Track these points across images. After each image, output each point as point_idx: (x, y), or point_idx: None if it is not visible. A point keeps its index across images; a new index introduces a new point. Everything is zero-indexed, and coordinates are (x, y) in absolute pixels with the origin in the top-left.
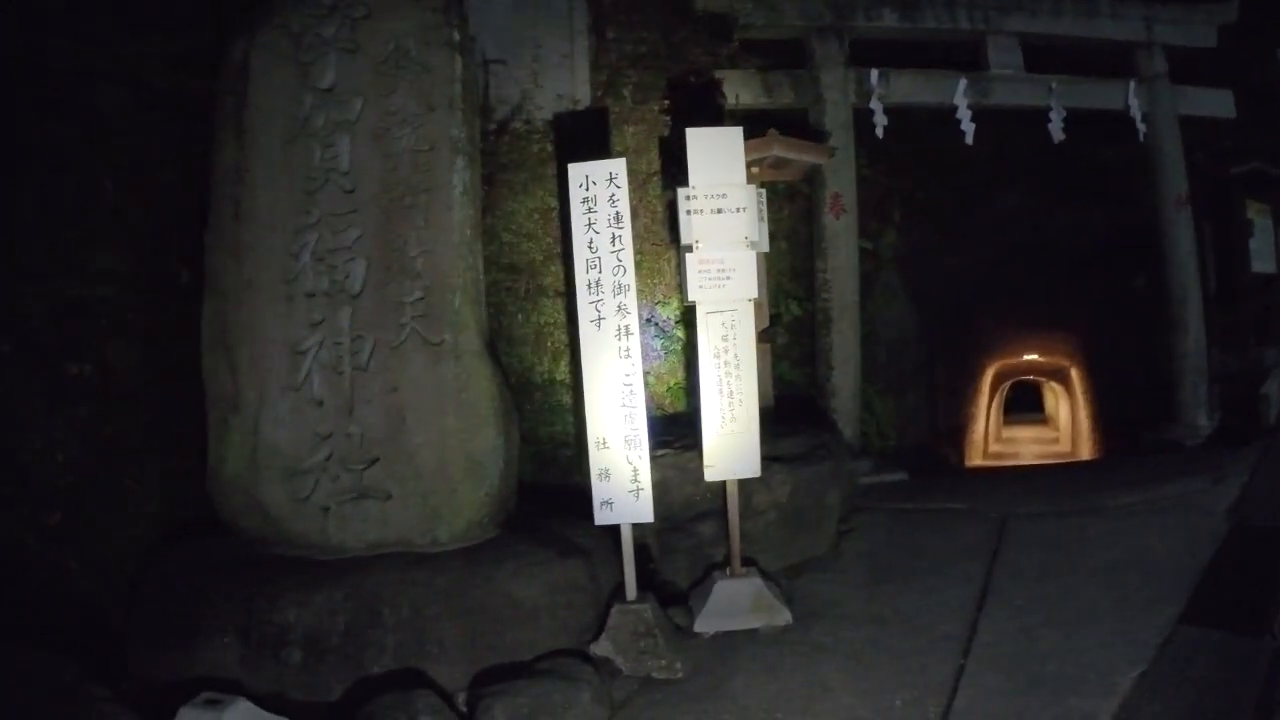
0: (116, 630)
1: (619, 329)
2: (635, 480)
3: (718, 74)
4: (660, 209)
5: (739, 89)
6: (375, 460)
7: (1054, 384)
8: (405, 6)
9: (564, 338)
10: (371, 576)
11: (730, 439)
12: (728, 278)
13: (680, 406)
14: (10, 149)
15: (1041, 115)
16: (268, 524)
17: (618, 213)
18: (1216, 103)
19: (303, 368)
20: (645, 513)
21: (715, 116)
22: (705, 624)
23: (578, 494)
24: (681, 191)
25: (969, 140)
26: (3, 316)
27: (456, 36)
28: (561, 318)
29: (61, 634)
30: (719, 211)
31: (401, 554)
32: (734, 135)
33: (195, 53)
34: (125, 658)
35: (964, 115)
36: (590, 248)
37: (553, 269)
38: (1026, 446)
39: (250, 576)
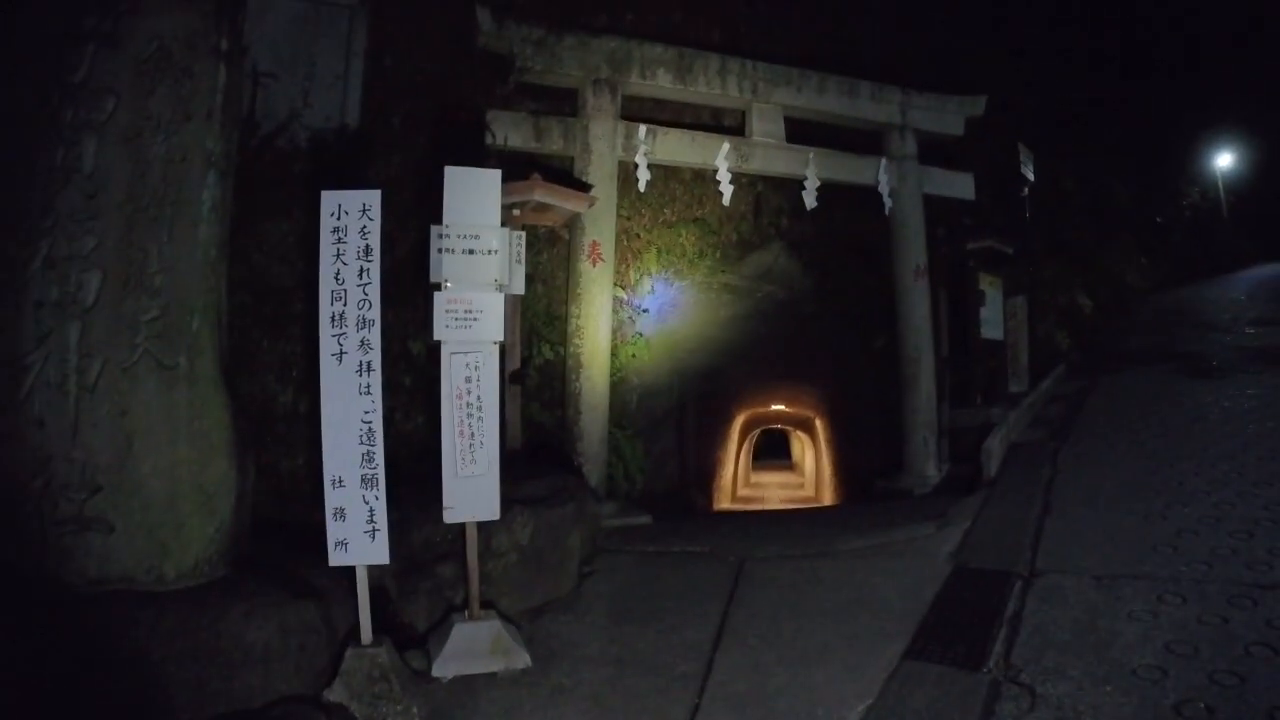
0: None
1: (361, 364)
2: (371, 521)
3: (490, 113)
4: (417, 241)
5: (510, 130)
6: (99, 489)
7: (800, 433)
8: (174, 6)
9: (308, 369)
10: (92, 616)
11: (470, 481)
12: (475, 319)
13: (425, 446)
14: None
15: (799, 183)
16: None
17: (368, 245)
18: (959, 185)
19: (25, 384)
20: (381, 554)
21: (481, 155)
22: (443, 667)
23: (318, 532)
24: (434, 229)
25: (725, 201)
26: None
27: (225, 44)
28: (308, 348)
29: None
30: (470, 252)
31: (125, 592)
32: (492, 177)
33: None
34: None
35: (724, 177)
36: (337, 279)
37: (302, 296)
38: (774, 491)
39: None
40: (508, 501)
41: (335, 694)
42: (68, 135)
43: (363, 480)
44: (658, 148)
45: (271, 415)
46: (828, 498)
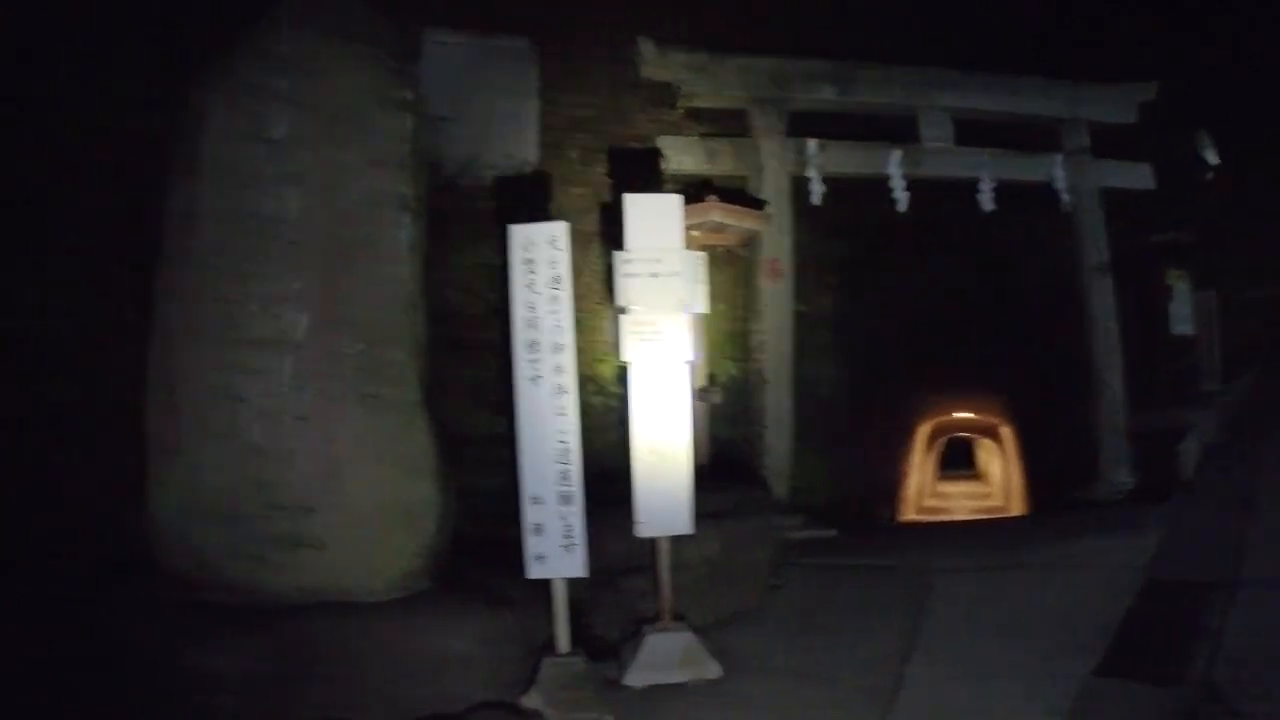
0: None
1: (555, 387)
2: (568, 535)
3: (660, 140)
4: (602, 269)
5: (681, 155)
6: (311, 510)
7: (986, 441)
8: (358, 64)
9: (502, 393)
10: (305, 625)
11: (662, 497)
12: (661, 339)
13: (617, 462)
14: None
15: (971, 185)
16: (203, 569)
17: (557, 275)
18: (1136, 175)
19: (243, 415)
20: (577, 568)
21: (656, 181)
22: (635, 677)
23: (513, 547)
24: (618, 255)
25: (902, 209)
26: None
27: (408, 95)
28: (501, 374)
29: None
30: (655, 275)
31: (335, 603)
32: (672, 202)
33: (156, 98)
34: (58, 698)
35: (898, 185)
36: (529, 307)
37: (494, 324)
38: (960, 502)
39: (182, 620)
40: (696, 516)
41: (531, 701)
42: (271, 187)
43: (560, 497)
44: (828, 160)
45: (467, 437)
46: (1015, 508)
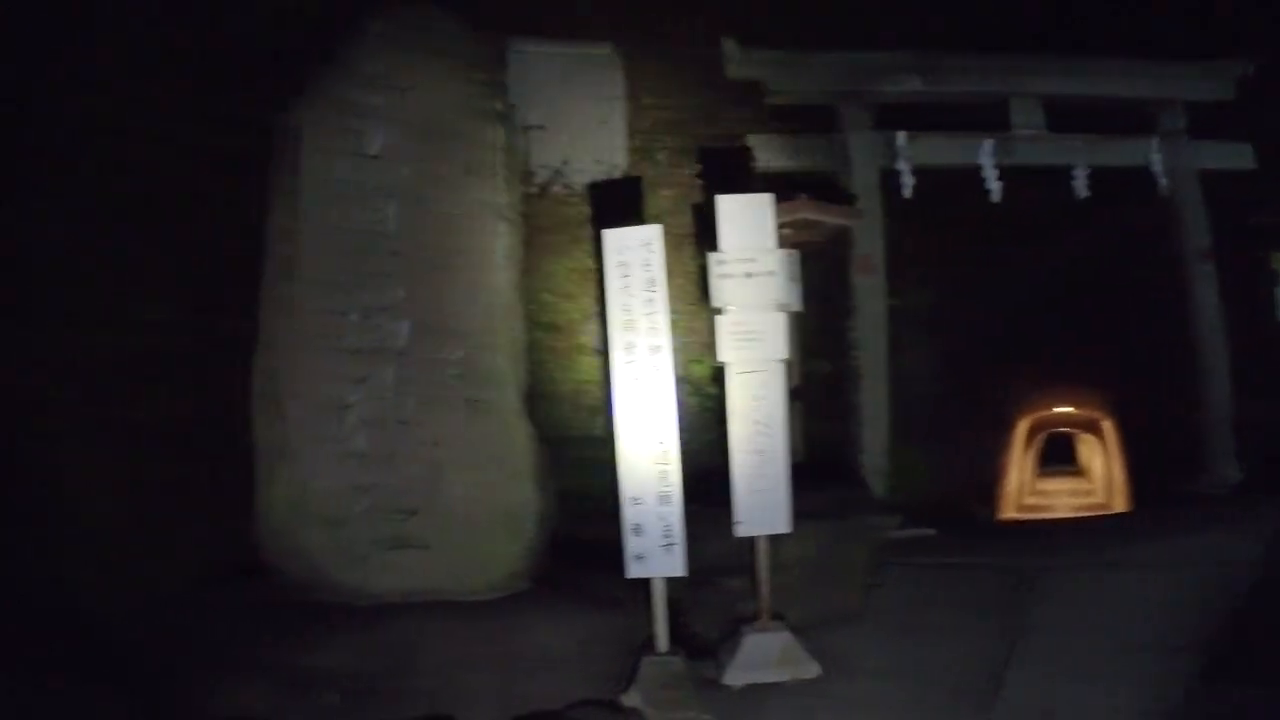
0: (161, 667)
1: (653, 389)
2: (668, 535)
3: (748, 138)
4: (694, 269)
5: (769, 152)
6: (415, 511)
7: (1087, 436)
8: (450, 79)
9: (599, 394)
10: (408, 624)
11: (760, 496)
12: (758, 339)
13: (713, 462)
14: (76, 210)
15: (1065, 172)
16: (310, 570)
17: (652, 278)
18: (1236, 155)
19: (348, 421)
20: (677, 567)
21: (746, 180)
22: (734, 676)
23: (611, 547)
24: (712, 256)
25: (995, 199)
26: (72, 367)
27: (498, 106)
28: (597, 375)
29: (109, 669)
30: (749, 275)
31: (438, 603)
32: (763, 202)
33: (252, 117)
34: (169, 694)
35: (990, 175)
36: (625, 310)
37: (590, 328)
38: (1061, 499)
39: (291, 620)
40: (795, 515)
41: (630, 699)
42: (370, 201)
43: (659, 498)
44: (918, 152)
45: (566, 440)
46: (1118, 504)
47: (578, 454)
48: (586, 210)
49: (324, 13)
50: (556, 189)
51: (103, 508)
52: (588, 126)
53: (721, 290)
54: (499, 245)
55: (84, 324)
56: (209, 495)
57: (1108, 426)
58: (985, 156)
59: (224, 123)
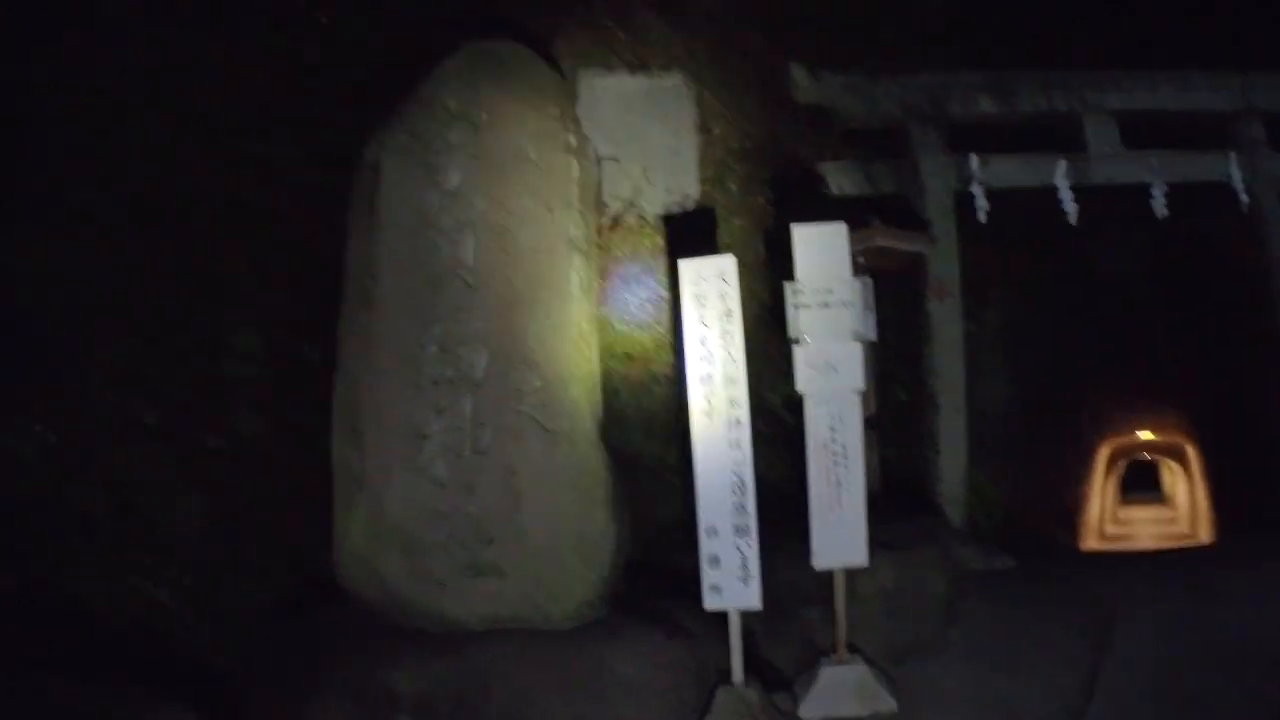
0: (239, 691)
1: (730, 420)
2: (744, 568)
3: (821, 165)
4: (768, 297)
5: (842, 178)
6: (491, 540)
7: (1171, 462)
8: (525, 113)
9: (673, 423)
10: (484, 650)
11: (837, 528)
12: (835, 370)
13: (790, 489)
14: (160, 240)
15: (1143, 190)
16: (386, 596)
17: (728, 309)
18: None
19: (426, 450)
20: (753, 599)
21: (818, 207)
22: (810, 709)
23: (686, 576)
24: (788, 286)
25: (1072, 221)
26: (153, 391)
27: (573, 140)
28: (672, 404)
29: (189, 691)
30: (825, 306)
31: (514, 630)
32: (838, 231)
33: (331, 149)
34: (247, 717)
35: (1065, 196)
36: (702, 342)
37: (664, 357)
38: (1144, 527)
39: (367, 644)
40: (871, 546)
41: None
42: (449, 234)
43: (735, 529)
44: (991, 175)
45: (640, 468)
46: (1204, 534)
47: (653, 482)
48: (660, 240)
49: (403, 48)
50: (630, 219)
51: (183, 532)
52: (660, 157)
53: (798, 320)
54: (574, 277)
55: (167, 348)
56: (288, 519)
57: (1191, 451)
58: (1060, 177)
59: (306, 155)
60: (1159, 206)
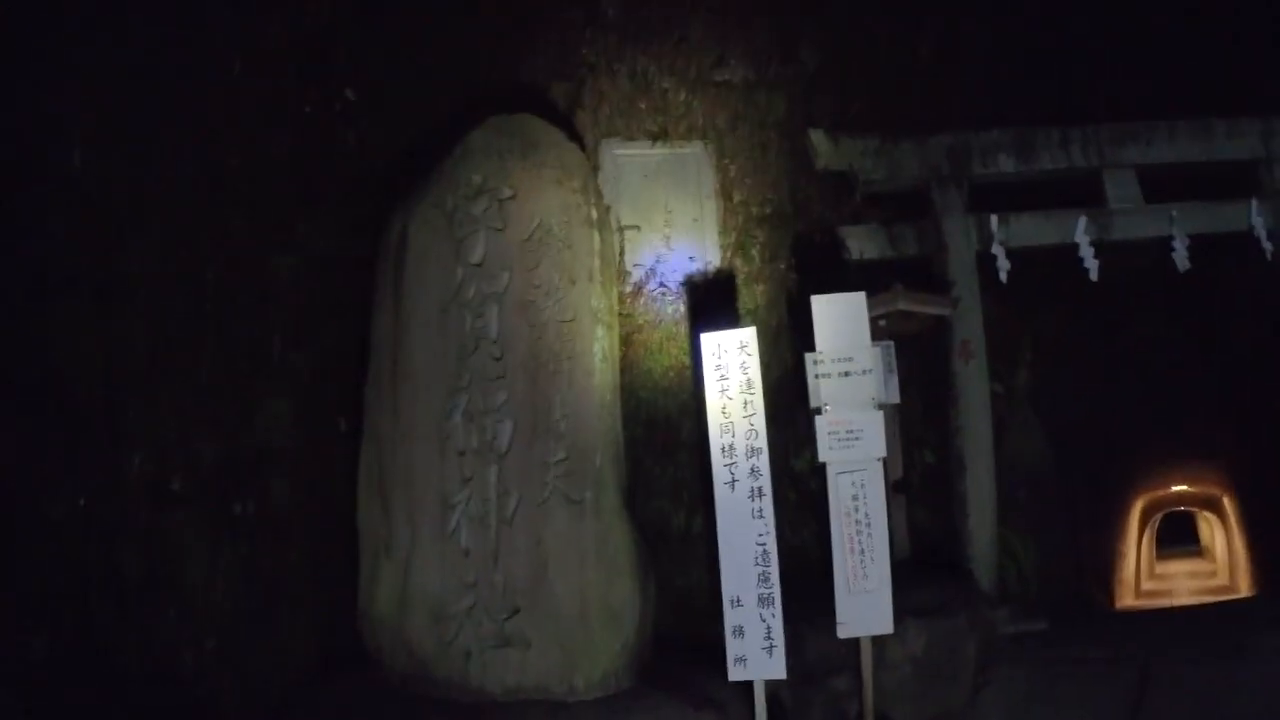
0: None
1: (752, 490)
2: (768, 638)
3: (842, 229)
4: (791, 361)
5: (864, 242)
6: (517, 610)
7: (1207, 514)
8: (548, 188)
9: (699, 490)
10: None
11: (862, 596)
12: (857, 438)
13: (815, 555)
14: (193, 310)
15: (1162, 243)
16: (412, 664)
17: (749, 379)
18: None
19: (452, 519)
20: (778, 669)
21: (841, 272)
22: None
23: (712, 644)
24: (809, 356)
25: (1093, 277)
26: (181, 460)
27: (594, 214)
28: (697, 470)
29: None
30: (846, 374)
31: (539, 701)
32: (857, 300)
33: (359, 222)
34: None
35: (1086, 253)
36: (723, 412)
37: (688, 424)
38: (1181, 582)
39: (394, 713)
40: (899, 611)
41: None
42: (474, 307)
43: (760, 599)
44: (1012, 234)
45: (666, 536)
46: (1244, 586)
47: (678, 550)
48: (682, 307)
49: (428, 124)
50: (652, 287)
51: (212, 596)
52: (681, 224)
53: (819, 390)
54: (597, 348)
55: (198, 416)
56: (315, 585)
57: (1228, 502)
58: (1080, 234)
59: (333, 227)
60: (1181, 260)
